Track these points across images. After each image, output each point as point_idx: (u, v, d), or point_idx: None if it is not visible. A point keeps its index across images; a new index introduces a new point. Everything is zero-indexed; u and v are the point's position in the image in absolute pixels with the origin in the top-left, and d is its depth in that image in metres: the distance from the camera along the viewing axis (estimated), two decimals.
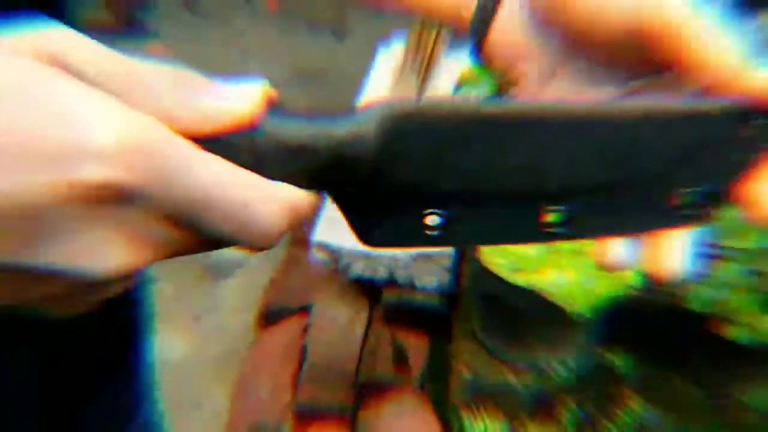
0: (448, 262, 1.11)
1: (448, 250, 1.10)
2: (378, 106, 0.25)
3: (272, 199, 0.26)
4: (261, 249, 0.27)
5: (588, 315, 0.83)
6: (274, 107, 0.26)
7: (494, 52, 0.35)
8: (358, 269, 1.14)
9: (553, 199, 0.26)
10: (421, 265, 1.11)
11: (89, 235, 0.23)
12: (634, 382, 0.97)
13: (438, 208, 0.26)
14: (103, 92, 0.23)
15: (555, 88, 0.34)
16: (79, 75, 0.23)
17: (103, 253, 0.23)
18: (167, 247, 0.25)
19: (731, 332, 0.82)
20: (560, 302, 0.82)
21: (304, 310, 1.36)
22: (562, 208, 0.26)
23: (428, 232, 0.27)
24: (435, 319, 1.17)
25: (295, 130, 0.25)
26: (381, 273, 1.13)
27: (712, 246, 0.89)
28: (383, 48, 1.64)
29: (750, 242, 0.87)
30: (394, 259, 1.11)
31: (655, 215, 0.27)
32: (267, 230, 0.26)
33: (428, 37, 1.52)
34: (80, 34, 0.24)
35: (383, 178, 0.25)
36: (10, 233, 0.21)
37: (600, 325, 0.96)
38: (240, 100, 0.25)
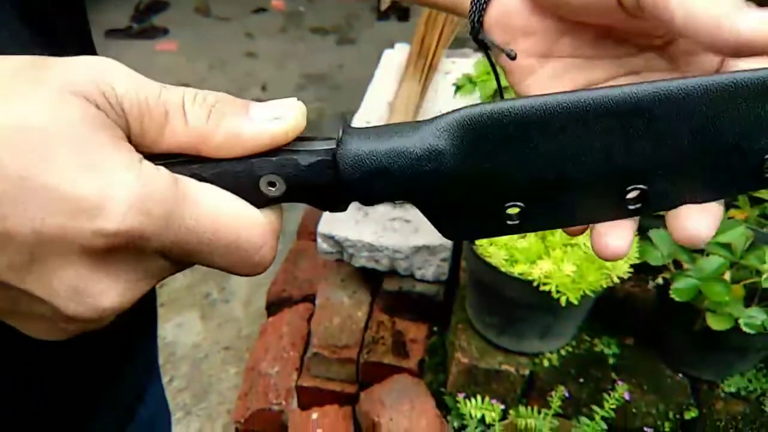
0: (446, 254, 1.12)
1: (447, 243, 1.12)
2: (445, 117, 0.26)
3: (267, 233, 0.27)
4: (252, 276, 0.27)
5: (578, 304, 0.84)
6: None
7: (493, 31, 0.36)
8: (362, 260, 1.15)
9: (632, 178, 0.26)
10: (421, 257, 1.12)
11: (89, 275, 0.23)
12: (620, 367, 0.98)
13: (516, 201, 0.27)
14: (126, 144, 0.24)
15: (551, 68, 0.35)
16: (121, 109, 0.24)
17: (99, 294, 0.24)
18: (160, 278, 0.26)
19: (713, 322, 0.82)
20: (552, 292, 0.83)
21: (310, 298, 1.37)
22: (640, 186, 0.26)
23: (509, 222, 0.28)
24: (434, 308, 1.18)
25: (371, 154, 0.26)
26: (383, 263, 1.14)
27: None
28: (387, 52, 1.65)
29: (732, 237, 0.88)
30: (396, 250, 1.11)
31: (738, 177, 0.27)
32: (264, 261, 0.27)
33: (430, 42, 1.53)
34: (125, 67, 0.24)
35: (463, 183, 0.26)
36: (21, 259, 0.22)
37: (589, 315, 0.97)
38: (275, 121, 0.26)
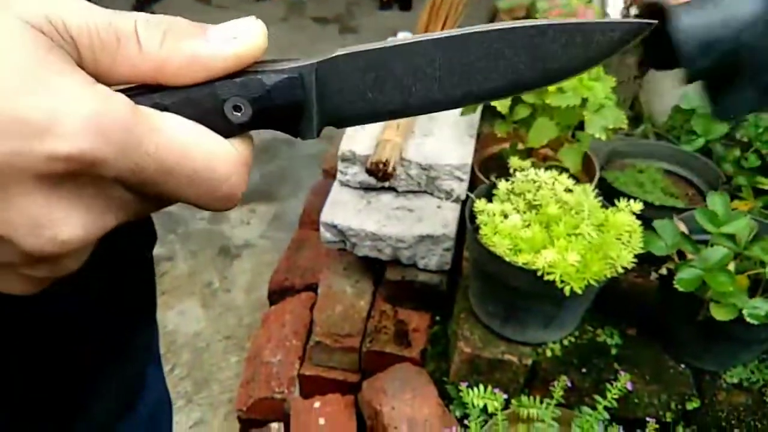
0: (450, 244, 1.11)
1: (450, 233, 1.11)
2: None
3: (235, 163, 0.26)
4: (223, 210, 0.27)
5: (582, 294, 0.84)
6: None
7: None
8: (364, 249, 1.14)
9: None
10: (425, 246, 1.12)
11: (47, 205, 0.22)
12: (623, 357, 0.98)
13: None
14: (77, 67, 0.23)
15: None
16: (69, 36, 0.23)
17: (59, 225, 0.22)
18: (124, 213, 0.25)
19: (716, 313, 0.82)
20: (557, 282, 0.83)
21: (312, 287, 1.37)
22: None
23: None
24: (436, 298, 1.18)
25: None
26: (386, 253, 1.14)
27: (701, 231, 0.90)
28: (390, 40, 1.63)
29: (737, 228, 0.87)
30: (399, 239, 1.11)
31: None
32: (233, 195, 0.26)
33: (434, 30, 1.52)
34: None
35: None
36: None
37: (593, 305, 0.97)
38: (234, 41, 0.25)
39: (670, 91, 1.47)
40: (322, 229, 1.15)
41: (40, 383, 0.44)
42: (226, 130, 0.26)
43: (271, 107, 0.26)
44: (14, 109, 0.20)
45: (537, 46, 0.27)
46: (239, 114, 0.26)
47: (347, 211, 1.15)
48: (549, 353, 0.98)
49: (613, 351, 0.99)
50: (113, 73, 0.24)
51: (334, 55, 0.27)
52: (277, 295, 1.42)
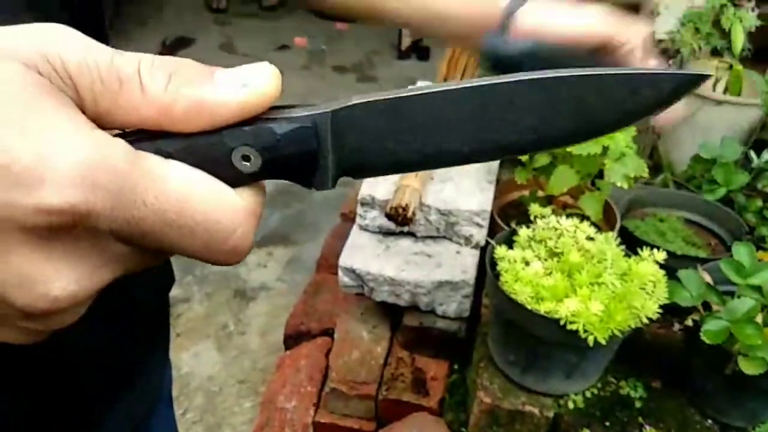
0: (469, 290, 1.10)
1: (470, 279, 1.10)
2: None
3: (242, 214, 0.24)
4: (228, 265, 0.24)
5: (605, 344, 0.82)
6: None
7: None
8: (383, 294, 1.13)
9: None
10: (443, 292, 1.11)
11: (36, 260, 0.21)
12: (647, 411, 0.95)
13: None
14: (75, 110, 0.21)
15: None
16: (68, 76, 0.21)
17: (50, 281, 0.21)
18: (121, 266, 0.23)
19: (745, 366, 0.80)
20: (580, 331, 0.81)
21: (329, 332, 1.35)
22: None
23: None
24: (455, 345, 1.16)
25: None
26: (404, 298, 1.13)
27: (726, 281, 0.88)
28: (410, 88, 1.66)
29: (763, 279, 0.86)
30: (417, 285, 1.10)
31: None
32: (239, 248, 0.24)
33: (453, 79, 1.54)
34: (77, 33, 0.22)
35: None
36: None
37: (616, 356, 0.95)
38: (244, 88, 0.23)
39: (689, 141, 1.47)
40: (340, 273, 1.14)
41: (48, 412, 0.43)
42: (234, 179, 0.24)
43: (283, 157, 0.24)
44: (1, 156, 0.19)
45: (578, 96, 0.25)
46: (248, 164, 0.24)
47: (366, 255, 1.15)
48: (571, 405, 0.96)
49: (638, 404, 0.96)
50: (114, 116, 0.22)
51: (350, 103, 0.25)
52: (292, 339, 1.41)
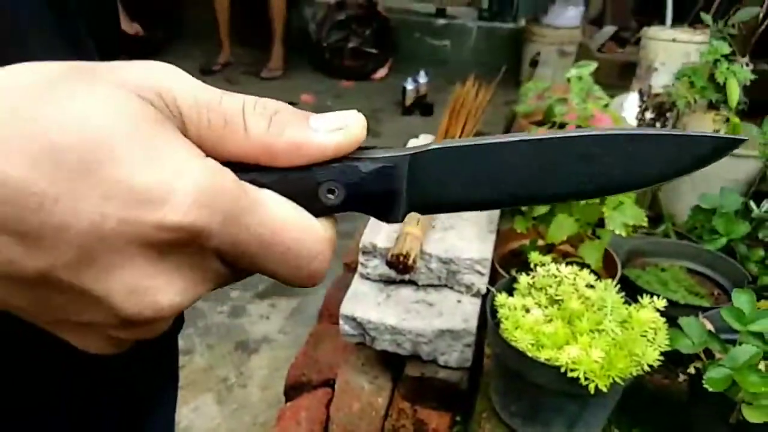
0: (470, 339, 1.10)
1: (471, 328, 1.10)
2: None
3: (324, 242, 0.27)
4: (306, 286, 0.27)
5: (607, 393, 0.81)
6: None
7: None
8: (384, 343, 1.13)
9: None
10: (445, 341, 1.10)
11: (149, 272, 0.23)
12: None
13: None
14: (188, 139, 0.24)
15: None
16: (179, 112, 0.24)
17: (158, 292, 0.23)
18: (217, 283, 0.26)
19: (749, 415, 0.79)
20: (581, 379, 0.81)
21: (329, 383, 1.34)
22: None
23: None
24: (457, 396, 1.14)
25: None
26: (405, 347, 1.12)
27: (728, 330, 0.88)
28: (412, 141, 1.70)
29: (765, 326, 0.86)
30: (419, 333, 1.10)
31: None
32: (318, 272, 0.27)
33: (454, 133, 1.58)
34: (185, 73, 0.25)
35: None
36: (76, 255, 0.22)
37: (619, 407, 0.94)
38: (338, 132, 0.26)
39: (689, 192, 1.49)
40: (341, 321, 1.14)
41: None
42: (318, 210, 0.27)
43: (364, 193, 0.27)
44: (129, 178, 0.21)
45: (630, 154, 0.28)
46: (332, 197, 0.27)
47: (367, 304, 1.15)
48: None
49: None
50: (217, 151, 0.24)
51: (429, 148, 0.28)
52: (293, 390, 1.39)
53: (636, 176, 0.29)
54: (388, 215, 0.29)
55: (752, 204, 1.37)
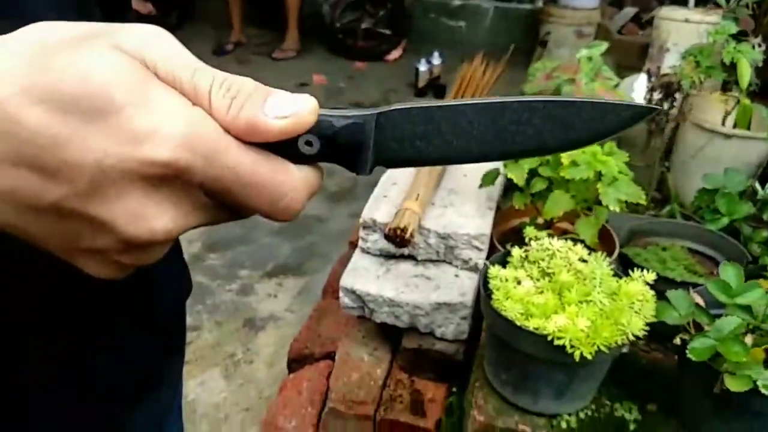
0: (467, 312, 1.14)
1: (468, 301, 1.14)
2: None
3: (296, 180, 0.32)
4: (283, 221, 0.32)
5: (593, 361, 0.85)
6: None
7: None
8: (382, 315, 1.18)
9: None
10: (441, 314, 1.15)
11: (145, 201, 0.28)
12: (639, 431, 0.97)
13: None
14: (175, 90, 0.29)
15: None
16: (154, 70, 0.28)
17: (154, 218, 0.29)
18: (204, 215, 0.31)
19: (731, 384, 0.82)
20: (567, 347, 0.85)
21: (331, 356, 1.40)
22: None
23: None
24: (453, 368, 1.19)
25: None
26: (403, 319, 1.17)
27: (720, 305, 0.91)
28: None
29: (752, 299, 0.89)
30: (416, 306, 1.15)
31: None
32: (292, 207, 0.32)
33: None
34: (171, 40, 0.29)
35: None
36: (86, 186, 0.27)
37: (611, 379, 0.98)
38: (285, 119, 0.30)
39: (698, 174, 1.51)
40: (341, 293, 1.19)
41: (78, 410, 0.48)
42: (298, 159, 0.32)
43: (337, 145, 0.33)
44: (126, 122, 0.26)
45: (562, 117, 0.34)
46: (309, 148, 0.32)
47: (367, 277, 1.20)
48: (564, 425, 0.98)
49: (632, 427, 0.99)
50: None
51: (391, 108, 0.33)
52: (296, 363, 1.45)
53: (567, 139, 0.34)
54: (357, 167, 0.34)
55: (757, 185, 1.39)
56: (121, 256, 0.30)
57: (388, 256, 1.24)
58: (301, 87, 4.14)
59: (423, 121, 0.34)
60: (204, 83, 0.29)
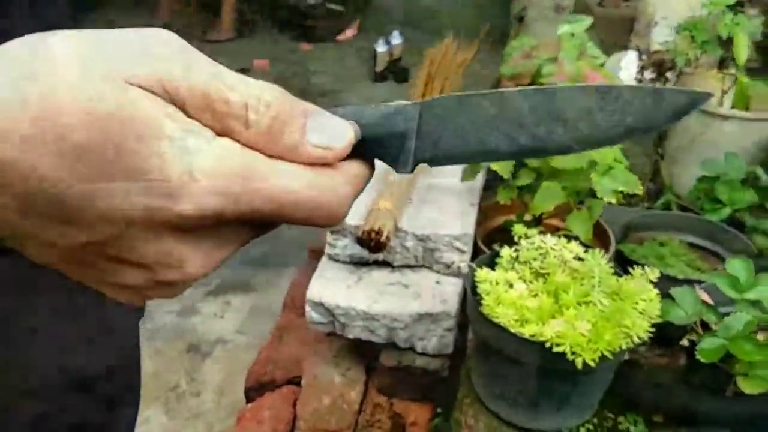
0: (451, 323, 1.18)
1: (451, 311, 1.18)
2: None
3: (341, 187, 0.34)
4: (327, 227, 0.36)
5: (596, 368, 0.89)
6: None
7: None
8: (355, 329, 1.20)
9: None
10: (423, 326, 1.18)
11: (177, 245, 0.31)
12: None
13: None
14: (193, 121, 0.30)
15: None
16: (182, 102, 0.30)
17: (186, 261, 0.32)
18: (238, 242, 0.35)
19: (744, 386, 0.88)
20: (567, 353, 0.89)
21: (296, 381, 1.41)
22: None
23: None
24: (437, 386, 1.22)
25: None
26: (380, 334, 1.20)
27: (728, 302, 0.97)
28: None
29: (762, 294, 0.95)
30: (394, 318, 1.17)
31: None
32: (339, 213, 0.34)
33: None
34: (169, 38, 0.31)
35: None
36: (118, 235, 0.30)
37: (613, 389, 1.02)
38: (326, 150, 0.33)
39: (696, 162, 1.57)
40: (307, 307, 1.21)
41: None
42: None
43: (379, 135, 0.35)
44: (148, 174, 0.29)
45: (607, 105, 0.36)
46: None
47: (336, 287, 1.22)
48: None
49: None
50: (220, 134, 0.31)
51: (436, 97, 0.36)
52: (254, 391, 1.46)
53: (621, 129, 0.36)
54: (398, 162, 0.37)
55: (760, 171, 1.46)
56: (151, 292, 0.34)
57: (360, 263, 1.27)
58: (241, 73, 4.13)
59: (467, 111, 0.36)
60: (239, 101, 0.31)
